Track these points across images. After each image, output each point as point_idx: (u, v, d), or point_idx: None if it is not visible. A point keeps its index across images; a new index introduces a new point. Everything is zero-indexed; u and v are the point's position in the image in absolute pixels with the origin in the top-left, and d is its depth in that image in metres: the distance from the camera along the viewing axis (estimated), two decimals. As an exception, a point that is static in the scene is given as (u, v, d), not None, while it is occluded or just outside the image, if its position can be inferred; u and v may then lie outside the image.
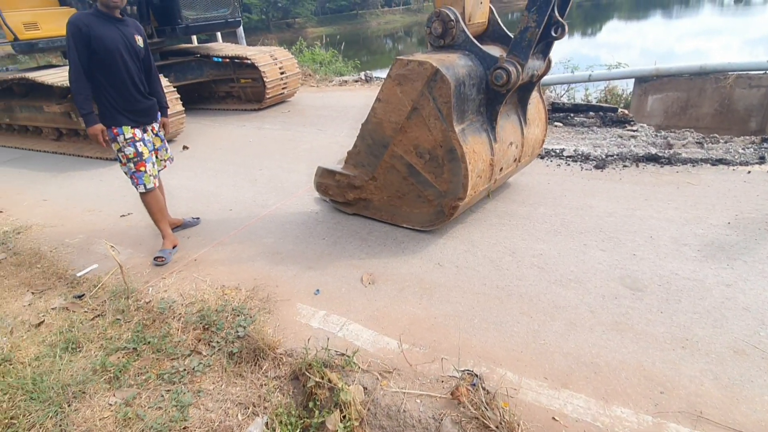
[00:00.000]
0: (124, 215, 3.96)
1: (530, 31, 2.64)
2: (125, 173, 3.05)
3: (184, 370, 2.20)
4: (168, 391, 2.10)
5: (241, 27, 10.53)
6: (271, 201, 3.97)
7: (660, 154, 4.12)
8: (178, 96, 5.81)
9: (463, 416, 1.81)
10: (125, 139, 2.91)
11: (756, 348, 1.93)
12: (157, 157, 3.21)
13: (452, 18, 2.83)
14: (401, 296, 2.54)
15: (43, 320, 2.62)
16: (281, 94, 7.56)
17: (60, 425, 1.93)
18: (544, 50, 2.95)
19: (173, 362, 2.25)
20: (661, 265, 2.57)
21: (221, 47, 8.00)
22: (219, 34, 9.42)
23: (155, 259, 3.11)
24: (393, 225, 3.29)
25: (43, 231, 3.79)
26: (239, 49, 7.64)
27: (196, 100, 8.16)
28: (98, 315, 2.63)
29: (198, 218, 3.69)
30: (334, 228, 3.37)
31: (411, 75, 2.70)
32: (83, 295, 2.84)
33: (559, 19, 2.71)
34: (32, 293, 2.93)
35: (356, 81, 9.35)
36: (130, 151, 2.94)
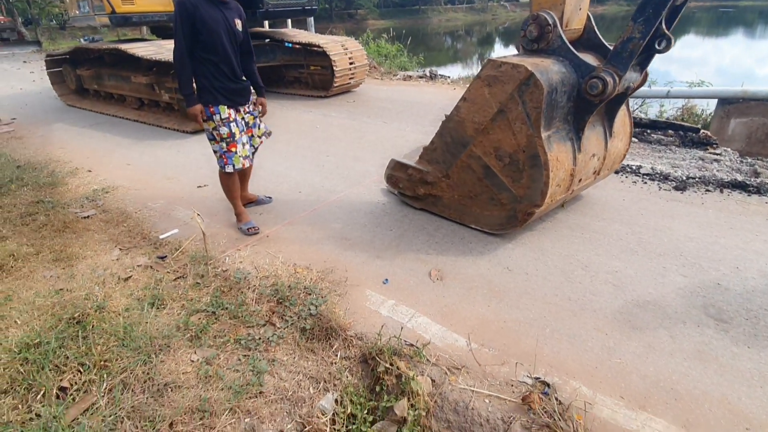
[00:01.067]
0: (200, 186, 4.17)
1: (634, 42, 2.55)
2: (215, 151, 3.14)
3: (260, 338, 2.31)
4: (245, 356, 2.22)
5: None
6: (339, 187, 4.06)
7: (747, 182, 3.89)
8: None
9: (533, 423, 1.81)
10: (221, 119, 3.01)
11: None
12: (252, 135, 3.31)
13: (550, 22, 2.78)
14: (469, 296, 2.55)
15: (131, 276, 2.82)
16: (348, 83, 7.68)
17: (148, 373, 2.09)
18: (643, 62, 2.84)
19: (249, 330, 2.37)
20: (748, 298, 2.44)
21: (294, 33, 8.22)
22: (289, 21, 9.65)
23: (248, 229, 3.28)
24: (461, 224, 3.29)
25: (128, 192, 4.06)
26: (311, 37, 7.82)
27: (266, 83, 8.39)
28: (180, 276, 2.80)
29: (270, 197, 3.83)
30: (401, 221, 3.41)
31: (502, 77, 2.68)
32: (166, 256, 3.03)
33: (666, 32, 2.61)
34: (120, 249, 3.15)
35: (420, 77, 9.35)
36: (224, 131, 3.04)
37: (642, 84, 2.97)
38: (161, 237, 3.28)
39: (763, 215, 3.35)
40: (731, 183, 3.89)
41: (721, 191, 3.79)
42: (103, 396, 1.95)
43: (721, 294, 2.48)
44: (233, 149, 3.10)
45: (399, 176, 3.55)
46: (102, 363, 2.12)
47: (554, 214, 3.41)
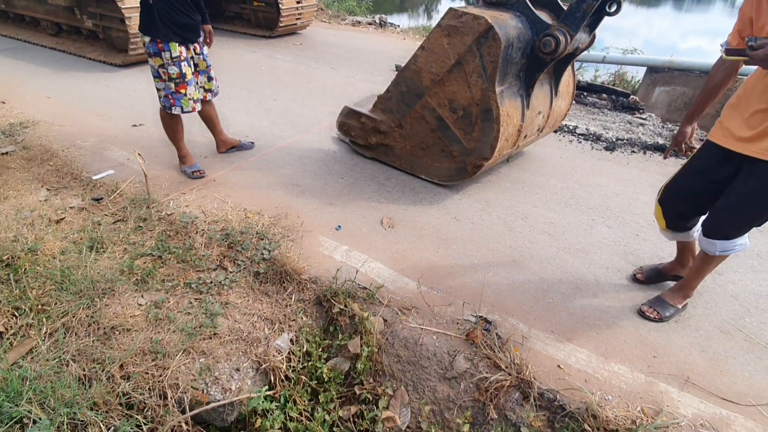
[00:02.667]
0: (135, 125, 3.87)
1: (587, 3, 2.64)
2: (159, 89, 2.90)
3: (211, 282, 2.29)
4: (196, 299, 2.19)
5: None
6: (288, 133, 3.95)
7: (666, 145, 4.28)
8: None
9: (475, 355, 1.99)
10: (171, 57, 2.77)
11: (740, 331, 2.16)
12: (197, 81, 3.06)
13: (509, -25, 2.78)
14: (420, 243, 2.67)
15: (63, 218, 2.62)
16: (295, 24, 7.27)
17: (92, 317, 2.01)
18: (593, 24, 2.95)
19: (199, 274, 2.33)
20: (661, 247, 2.76)
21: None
22: None
23: (193, 172, 3.12)
24: (411, 175, 3.36)
25: (51, 129, 3.68)
26: (256, -32, 7.21)
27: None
28: (119, 220, 2.66)
29: (253, 143, 3.68)
30: (352, 169, 3.42)
31: (462, 28, 2.68)
32: (101, 198, 2.84)
33: (616, -6, 2.71)
34: (47, 189, 2.90)
35: (369, 24, 9.03)
36: (174, 70, 2.81)
37: (590, 45, 3.10)
38: (95, 178, 3.05)
39: (678, 176, 3.73)
40: (653, 146, 4.26)
41: (644, 153, 4.14)
42: (44, 340, 1.87)
43: (639, 243, 2.79)
44: (182, 91, 2.89)
45: (352, 124, 3.51)
46: (40, 307, 2.01)
47: (498, 168, 3.58)
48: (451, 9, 2.72)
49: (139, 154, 2.71)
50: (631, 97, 5.66)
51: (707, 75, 6.45)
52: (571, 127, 4.57)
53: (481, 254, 2.60)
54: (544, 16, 2.95)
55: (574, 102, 5.61)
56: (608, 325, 2.16)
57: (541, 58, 2.82)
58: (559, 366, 1.94)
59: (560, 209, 3.10)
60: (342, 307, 2.18)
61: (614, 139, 4.39)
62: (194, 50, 2.96)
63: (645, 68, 7.84)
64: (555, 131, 4.46)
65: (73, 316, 2.00)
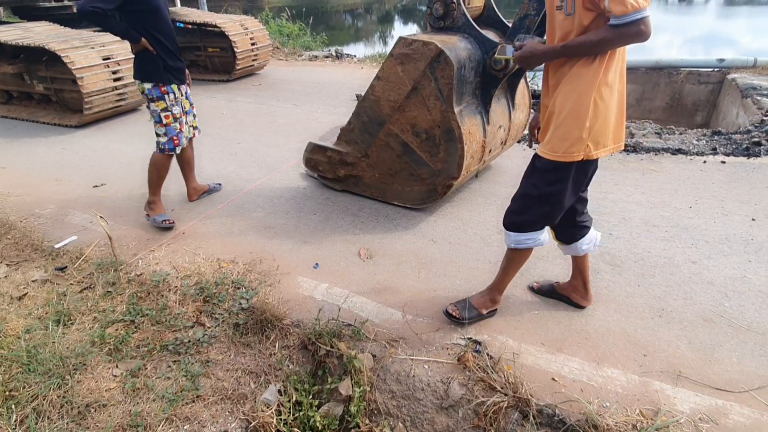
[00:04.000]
0: (97, 185, 3.77)
1: (529, 19, 2.74)
2: (160, 134, 3.00)
3: (189, 341, 2.20)
4: (175, 362, 2.10)
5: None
6: (256, 175, 3.91)
7: (625, 143, 4.42)
8: (145, 62, 5.49)
9: (469, 379, 1.95)
10: (174, 98, 2.93)
11: (722, 317, 2.19)
12: (186, 120, 3.15)
13: (454, 0, 2.87)
14: (400, 270, 2.64)
15: (26, 293, 2.50)
16: (251, 66, 7.32)
17: (65, 396, 1.89)
18: (539, 38, 3.06)
19: (176, 334, 2.24)
20: (634, 243, 2.81)
21: (186, 12, 7.59)
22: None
23: (163, 221, 3.08)
24: (384, 202, 3.36)
25: (7, 200, 3.54)
26: (206, 16, 7.29)
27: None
28: (87, 287, 2.55)
29: (220, 183, 3.68)
30: (324, 204, 3.39)
31: (414, 55, 2.74)
32: (66, 267, 2.72)
33: (555, 8, 2.83)
34: (7, 265, 2.77)
35: (327, 57, 9.18)
36: (177, 110, 2.97)
37: (537, 58, 3.20)
38: (57, 246, 2.93)
39: (639, 171, 3.85)
40: (614, 144, 4.39)
41: (606, 152, 4.26)
42: (15, 429, 1.74)
43: (613, 242, 2.83)
44: (183, 129, 3.05)
45: (318, 159, 3.51)
46: (7, 393, 1.88)
47: (469, 185, 3.61)
48: (401, 38, 2.78)
49: (101, 217, 2.62)
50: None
51: (654, 71, 6.70)
52: (533, 136, 4.67)
53: (462, 274, 2.58)
54: (491, 35, 3.05)
55: (532, 111, 5.78)
56: (596, 329, 2.16)
57: (494, 75, 2.89)
58: (553, 379, 1.92)
59: (533, 218, 3.13)
60: (328, 348, 2.12)
61: (575, 143, 4.51)
62: (182, 92, 3.07)
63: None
64: (519, 142, 4.56)
65: (44, 399, 1.88)
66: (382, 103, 3.01)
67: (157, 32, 2.79)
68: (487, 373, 1.93)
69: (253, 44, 7.15)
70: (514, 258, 2.08)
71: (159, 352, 2.15)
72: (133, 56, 2.87)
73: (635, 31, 1.49)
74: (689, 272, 2.52)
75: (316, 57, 9.16)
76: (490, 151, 3.31)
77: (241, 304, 2.36)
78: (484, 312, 2.21)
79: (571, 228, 2.10)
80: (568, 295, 2.30)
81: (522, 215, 1.94)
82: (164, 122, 2.94)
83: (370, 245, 2.89)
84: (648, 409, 1.76)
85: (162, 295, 2.46)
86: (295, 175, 3.87)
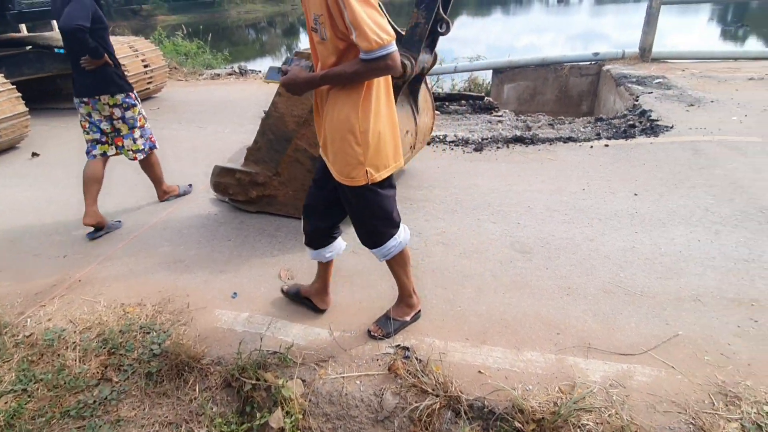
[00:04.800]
0: (-33, 240, 3.28)
1: (420, 27, 2.84)
2: (142, 138, 3.47)
3: (94, 401, 1.98)
4: (79, 428, 1.87)
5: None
6: (159, 207, 3.65)
7: (524, 136, 4.75)
8: (19, 95, 4.92)
9: (401, 387, 1.96)
10: (140, 102, 3.43)
11: (619, 287, 2.41)
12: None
13: (343, 12, 2.89)
14: (323, 287, 2.59)
15: None
16: (147, 89, 6.85)
17: (-61, 496, 1.61)
18: (432, 45, 3.18)
19: (78, 396, 2.01)
20: (540, 229, 3.01)
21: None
22: (54, 22, 8.07)
23: (111, 224, 3.31)
24: (301, 219, 3.28)
25: None
26: (88, 39, 6.70)
27: (39, 98, 6.95)
28: (-39, 361, 2.19)
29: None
30: (239, 228, 3.25)
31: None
32: (-68, 340, 2.32)
33: (444, 16, 2.96)
34: None
35: (230, 74, 8.87)
36: (144, 111, 3.47)
37: (434, 63, 3.33)
38: None
39: (538, 161, 4.15)
40: (513, 138, 4.70)
41: (507, 146, 4.55)
42: None
43: (521, 230, 3.01)
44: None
45: (227, 182, 3.35)
46: None
47: (384, 192, 3.65)
48: (297, 53, 2.74)
49: (-30, 277, 2.28)
50: (486, 98, 6.23)
51: (542, 67, 7.29)
52: (441, 137, 4.86)
53: (385, 282, 2.59)
54: (386, 44, 3.11)
55: (438, 113, 6.02)
56: (513, 316, 2.27)
57: (393, 82, 2.95)
58: (480, 371, 1.98)
59: (448, 217, 3.25)
60: (254, 381, 2.01)
61: (480, 140, 4.76)
62: None
63: (491, 71, 8.74)
64: (429, 144, 4.71)
65: None
66: (286, 119, 2.95)
67: (110, 48, 3.17)
68: (418, 378, 1.95)
69: (146, 66, 6.71)
70: (394, 264, 2.11)
71: (59, 420, 1.91)
72: (85, 72, 3.09)
73: (384, 65, 1.51)
74: (588, 249, 2.75)
75: (218, 75, 8.81)
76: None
77: (152, 350, 2.17)
78: (408, 319, 2.23)
79: (323, 237, 2.16)
80: (311, 298, 2.37)
81: (371, 235, 1.99)
82: (139, 125, 3.40)
83: (291, 265, 2.81)
84: (566, 385, 1.87)
85: (58, 355, 2.19)
86: (205, 202, 3.66)
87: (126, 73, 6.29)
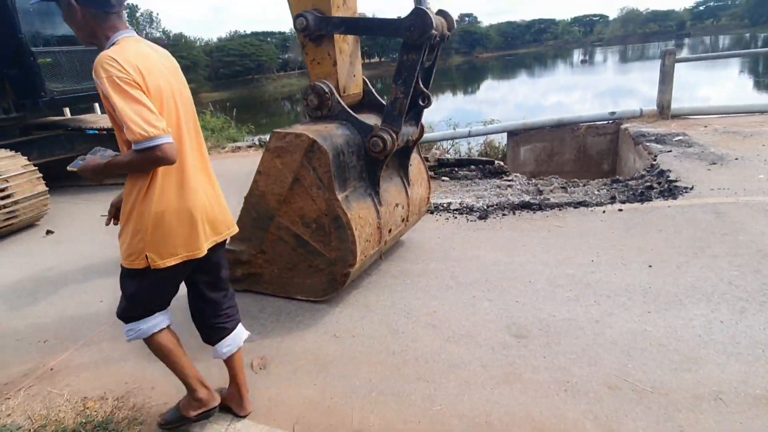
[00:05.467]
0: (-40, 323, 3.30)
1: (399, 102, 2.81)
2: None
3: None
4: None
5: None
6: (152, 285, 3.60)
7: (532, 201, 4.56)
8: (40, 175, 5.21)
9: None
10: None
11: (626, 381, 2.09)
12: None
13: (327, 91, 2.93)
14: (295, 378, 2.38)
15: None
16: (168, 164, 7.16)
17: None
18: (416, 117, 3.16)
19: None
20: (540, 308, 2.74)
21: (97, 119, 7.48)
22: (97, 106, 8.78)
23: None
24: (287, 298, 3.15)
25: None
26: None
27: (63, 177, 7.37)
28: None
29: None
30: (222, 308, 3.12)
31: (289, 147, 2.71)
32: None
33: (424, 90, 2.94)
34: None
35: (250, 146, 9.25)
36: None
37: (421, 135, 3.28)
38: None
39: (546, 228, 3.92)
40: (520, 205, 4.51)
41: (514, 213, 4.35)
42: None
43: (519, 310, 2.75)
44: None
45: (213, 261, 3.29)
46: None
47: (377, 266, 3.50)
48: (274, 132, 2.75)
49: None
50: (496, 163, 6.14)
51: (558, 128, 7.22)
52: (445, 205, 4.73)
53: (362, 373, 2.36)
54: (372, 118, 3.11)
55: (448, 179, 5.95)
56: (500, 418, 1.98)
57: (375, 157, 2.90)
58: (454, 492, 1.68)
59: (442, 294, 3.03)
60: (198, 497, 1.78)
61: (486, 207, 4.59)
62: None
63: (506, 134, 8.73)
64: (431, 212, 4.58)
65: None
66: (267, 197, 2.92)
67: None
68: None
69: (167, 144, 7.06)
70: (153, 350, 1.95)
71: None
72: None
73: (154, 157, 1.52)
74: (593, 333, 2.45)
75: (239, 148, 9.20)
76: (390, 230, 3.24)
77: (100, 454, 1.99)
78: (191, 416, 2.01)
79: (206, 329, 2.06)
80: (228, 404, 2.14)
81: (123, 309, 1.91)
82: None
83: (268, 351, 2.63)
84: None
85: (6, 458, 2.05)
86: (196, 279, 3.59)
87: None
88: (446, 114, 9.84)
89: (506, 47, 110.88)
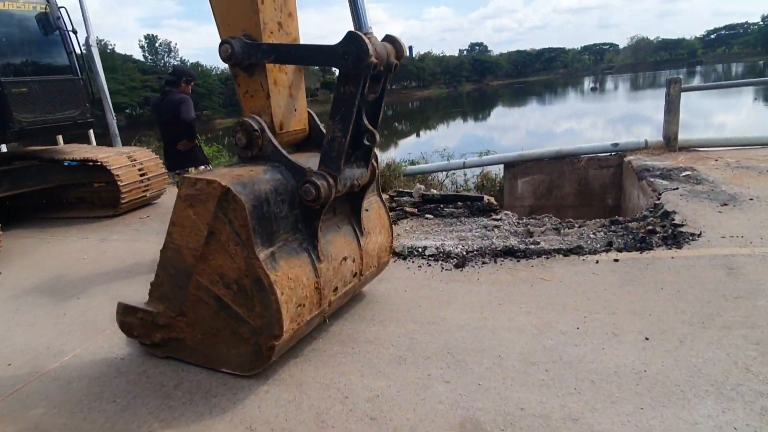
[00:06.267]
0: None
1: (337, 141, 2.38)
2: None
3: None
4: None
5: (115, 126, 9.94)
6: (72, 345, 3.15)
7: (517, 248, 4.04)
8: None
9: None
10: None
11: None
12: None
13: (256, 128, 2.51)
14: (183, 493, 1.87)
15: None
16: (143, 197, 6.83)
17: None
18: (364, 158, 2.71)
19: None
20: (506, 396, 2.20)
21: (71, 149, 7.23)
22: (91, 133, 8.56)
23: None
24: (211, 369, 2.66)
25: None
26: (89, 152, 6.92)
27: (38, 209, 7.09)
28: None
29: None
30: (134, 382, 2.64)
31: (201, 195, 2.27)
32: None
33: (369, 127, 2.51)
34: None
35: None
36: None
37: (372, 178, 2.83)
38: None
39: (528, 282, 3.39)
40: (503, 251, 3.99)
41: (495, 261, 3.84)
42: None
43: (481, 397, 2.21)
44: None
45: (131, 322, 2.83)
46: None
47: (329, 327, 3.00)
48: (185, 178, 2.34)
49: None
50: (485, 199, 5.64)
51: (557, 160, 6.75)
52: (420, 249, 4.24)
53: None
54: (317, 158, 2.67)
55: (432, 217, 5.46)
56: None
57: (309, 206, 2.44)
58: None
59: (392, 370, 2.51)
60: None
61: (465, 253, 4.09)
62: None
63: (502, 165, 8.28)
64: (404, 258, 4.09)
65: None
66: (183, 251, 2.47)
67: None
68: None
69: (142, 175, 6.76)
70: None
71: None
72: (178, 151, 4.58)
73: None
74: (569, 441, 1.90)
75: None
76: (336, 289, 2.76)
77: None
78: None
79: None
80: None
81: None
82: None
83: (167, 446, 2.12)
84: None
85: None
86: (120, 341, 3.12)
87: (119, 182, 6.43)
88: (439, 146, 9.46)
89: (516, 75, 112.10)
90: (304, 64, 2.55)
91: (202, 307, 2.54)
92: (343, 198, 2.78)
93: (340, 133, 2.36)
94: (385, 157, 9.19)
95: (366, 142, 2.52)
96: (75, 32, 6.69)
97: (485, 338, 2.71)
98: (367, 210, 3.07)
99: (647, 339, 2.53)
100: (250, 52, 2.46)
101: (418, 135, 36.47)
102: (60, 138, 8.45)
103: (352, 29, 2.19)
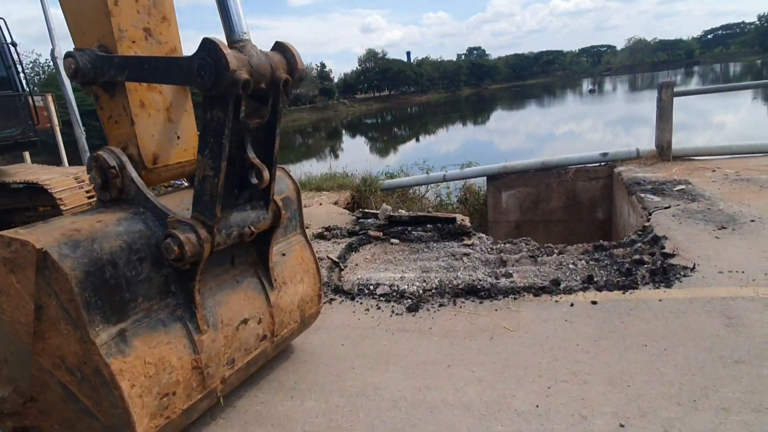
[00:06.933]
0: None
1: (209, 182, 1.83)
2: None
3: None
4: None
5: (84, 141, 9.48)
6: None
7: (481, 285, 3.46)
8: None
9: None
10: None
11: None
12: None
13: (112, 164, 1.96)
14: None
15: None
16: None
17: None
18: (264, 197, 2.15)
19: None
20: None
21: (16, 170, 6.71)
22: (27, 154, 8.06)
23: None
24: (71, 468, 2.09)
25: None
26: (34, 173, 6.40)
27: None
28: None
29: None
30: (-28, 486, 2.08)
31: (18, 260, 1.72)
32: None
33: (255, 162, 1.94)
34: None
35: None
36: None
37: (276, 222, 2.25)
38: None
39: (488, 333, 2.82)
40: (465, 289, 3.42)
41: (455, 302, 3.27)
42: None
43: None
44: None
45: (-20, 405, 2.27)
46: None
47: (235, 402, 2.43)
48: (0, 236, 1.77)
49: None
50: (458, 220, 5.07)
51: (544, 171, 6.18)
52: (372, 287, 3.67)
53: None
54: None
55: (398, 241, 4.89)
56: None
57: (177, 266, 1.88)
58: None
59: (293, 472, 1.94)
60: None
61: (421, 292, 3.51)
62: None
63: (485, 178, 7.72)
64: (353, 298, 3.53)
65: None
66: (17, 326, 1.91)
67: None
68: None
69: (90, 198, 6.21)
70: None
71: None
72: None
73: None
74: None
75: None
76: (234, 360, 2.19)
77: None
78: None
79: None
80: None
81: None
82: None
83: None
84: None
85: None
86: (-16, 418, 2.57)
87: (62, 206, 5.90)
88: (418, 158, 8.90)
89: (514, 78, 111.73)
90: (157, 82, 2.00)
91: (50, 392, 1.98)
92: (244, 245, 2.22)
93: (211, 171, 1.80)
94: (360, 169, 8.62)
95: (253, 181, 1.95)
96: (15, 45, 6.20)
97: (420, 421, 2.14)
98: (284, 255, 2.52)
99: (622, 426, 1.95)
100: (103, 67, 1.91)
101: (417, 140, 36.04)
102: (27, 155, 7.94)
103: (211, 39, 1.62)
